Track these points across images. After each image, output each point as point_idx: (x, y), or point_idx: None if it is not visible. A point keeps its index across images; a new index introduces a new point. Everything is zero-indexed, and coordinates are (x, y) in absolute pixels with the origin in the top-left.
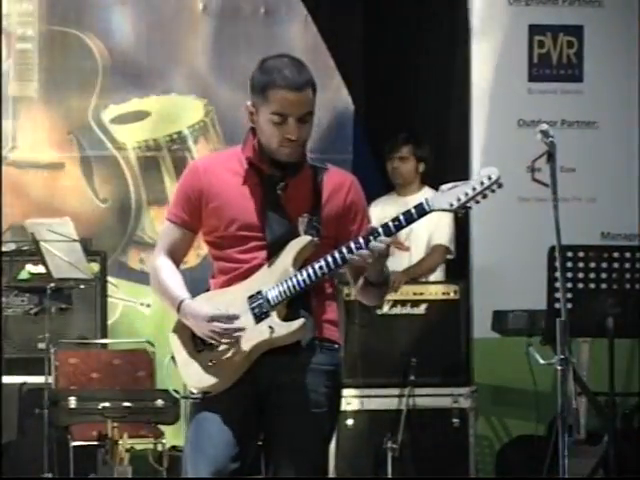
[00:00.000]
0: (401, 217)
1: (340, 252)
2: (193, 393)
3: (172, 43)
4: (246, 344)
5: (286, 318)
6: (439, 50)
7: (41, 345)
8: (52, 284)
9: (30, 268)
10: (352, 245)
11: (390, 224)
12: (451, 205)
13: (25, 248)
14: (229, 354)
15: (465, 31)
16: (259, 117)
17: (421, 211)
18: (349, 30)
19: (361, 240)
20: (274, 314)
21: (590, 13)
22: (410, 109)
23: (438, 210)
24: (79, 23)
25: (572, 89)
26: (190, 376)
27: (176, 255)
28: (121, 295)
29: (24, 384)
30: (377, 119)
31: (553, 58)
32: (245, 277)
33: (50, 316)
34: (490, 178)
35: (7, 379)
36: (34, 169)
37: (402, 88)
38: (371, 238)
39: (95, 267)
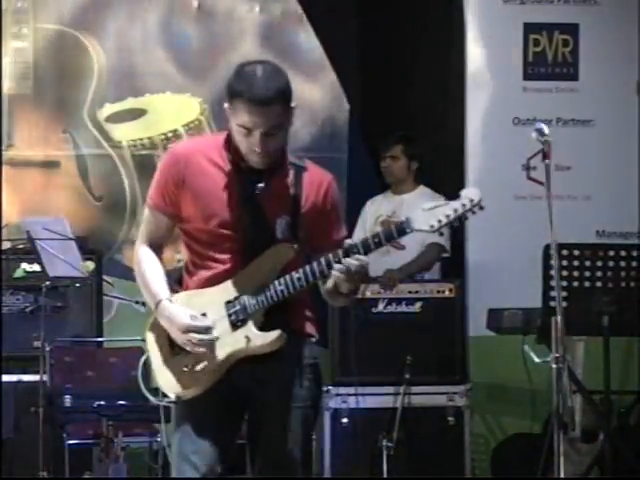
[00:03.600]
0: (381, 234)
1: (319, 265)
2: (166, 396)
3: (167, 41)
4: (221, 351)
5: (263, 326)
6: (434, 48)
7: (36, 343)
8: (47, 282)
9: (25, 266)
10: (331, 258)
11: (370, 240)
12: (431, 227)
13: (20, 246)
14: (204, 360)
15: (460, 30)
16: (231, 123)
17: (401, 231)
18: (344, 28)
19: (340, 254)
20: (251, 322)
21: (585, 11)
22: (405, 108)
23: (418, 231)
24: (74, 21)
25: (567, 87)
26: (164, 380)
27: (157, 242)
28: (116, 293)
29: (19, 382)
30: (372, 118)
31: (548, 56)
32: (221, 278)
33: (45, 314)
34: (472, 200)
35: (3, 377)
36: (29, 167)
37: (397, 87)
38: (350, 254)
39: (91, 265)
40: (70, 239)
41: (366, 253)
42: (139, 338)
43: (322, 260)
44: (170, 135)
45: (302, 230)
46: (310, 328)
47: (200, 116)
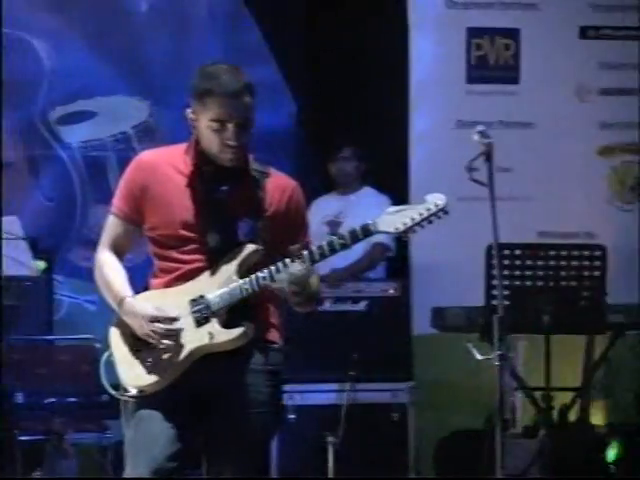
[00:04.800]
0: (347, 236)
1: (284, 264)
2: (127, 391)
3: (118, 44)
4: (185, 347)
5: (227, 324)
6: (379, 52)
7: None
8: None
9: None
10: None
11: (335, 241)
12: (397, 229)
13: None
14: (167, 355)
15: (405, 33)
16: (199, 124)
17: (366, 232)
18: (291, 32)
19: (305, 255)
20: (215, 320)
21: (526, 16)
22: (350, 109)
23: (383, 232)
24: (27, 25)
25: (509, 91)
26: (127, 374)
27: (120, 249)
28: (67, 292)
29: None
30: (318, 120)
31: (490, 60)
32: (185, 279)
33: None
34: (437, 205)
35: None
36: None
37: (343, 89)
38: (314, 255)
39: (42, 265)
40: (21, 238)
41: (334, 253)
42: (90, 336)
43: (287, 259)
44: (119, 137)
45: (267, 234)
46: (273, 335)
47: (149, 118)
